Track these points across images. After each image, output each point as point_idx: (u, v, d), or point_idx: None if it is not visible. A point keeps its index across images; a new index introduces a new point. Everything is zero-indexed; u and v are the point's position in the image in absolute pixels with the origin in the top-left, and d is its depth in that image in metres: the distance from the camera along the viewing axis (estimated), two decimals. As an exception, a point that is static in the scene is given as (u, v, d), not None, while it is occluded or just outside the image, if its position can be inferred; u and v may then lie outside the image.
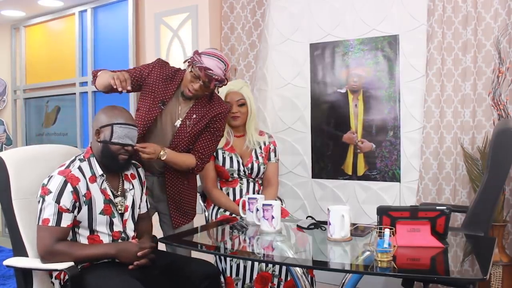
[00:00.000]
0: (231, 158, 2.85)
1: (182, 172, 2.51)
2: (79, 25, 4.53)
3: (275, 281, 2.54)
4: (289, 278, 2.53)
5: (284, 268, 2.52)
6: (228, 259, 2.58)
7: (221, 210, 2.82)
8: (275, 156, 2.97)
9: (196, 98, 2.47)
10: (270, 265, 2.54)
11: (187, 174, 2.55)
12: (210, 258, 2.70)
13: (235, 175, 2.85)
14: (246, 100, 2.87)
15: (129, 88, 2.25)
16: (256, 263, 2.54)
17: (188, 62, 2.41)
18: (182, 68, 2.53)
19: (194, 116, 2.46)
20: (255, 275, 2.54)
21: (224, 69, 2.40)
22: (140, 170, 2.31)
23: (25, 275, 2.04)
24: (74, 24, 4.56)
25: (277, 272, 2.53)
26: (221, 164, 2.83)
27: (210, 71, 2.33)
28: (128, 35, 4.07)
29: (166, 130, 2.46)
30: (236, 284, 2.57)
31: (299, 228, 2.28)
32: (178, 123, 2.45)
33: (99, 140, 2.10)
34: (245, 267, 2.55)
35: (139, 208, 2.27)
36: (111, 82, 2.22)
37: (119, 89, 2.22)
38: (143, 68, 2.51)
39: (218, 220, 2.72)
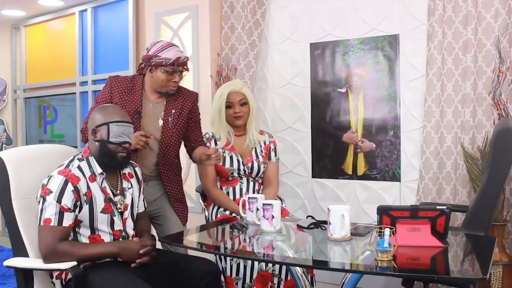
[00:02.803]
0: (231, 157, 2.85)
1: (176, 167, 2.61)
2: (79, 24, 4.53)
3: (275, 280, 2.54)
4: (289, 278, 2.53)
5: (284, 267, 2.52)
6: (228, 258, 2.58)
7: (221, 209, 2.82)
8: (275, 155, 2.97)
9: (167, 96, 2.49)
10: (270, 265, 2.54)
11: (177, 165, 2.63)
12: (211, 257, 2.70)
13: (235, 174, 2.85)
14: (248, 99, 2.88)
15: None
16: (256, 263, 2.54)
17: (150, 68, 2.40)
18: (134, 73, 2.55)
19: (173, 111, 2.49)
20: (255, 275, 2.54)
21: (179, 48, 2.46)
22: (137, 169, 2.31)
23: (25, 275, 2.03)
24: (74, 24, 4.56)
25: (277, 272, 2.53)
26: (221, 163, 2.83)
27: (181, 58, 2.38)
28: (128, 35, 4.06)
29: (151, 134, 2.46)
30: (236, 284, 2.57)
31: (299, 227, 2.28)
32: (160, 123, 2.48)
33: (96, 139, 2.10)
34: (245, 267, 2.55)
35: (137, 207, 2.28)
36: (139, 147, 2.30)
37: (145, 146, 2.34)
38: (105, 94, 2.46)
39: (218, 220, 2.72)
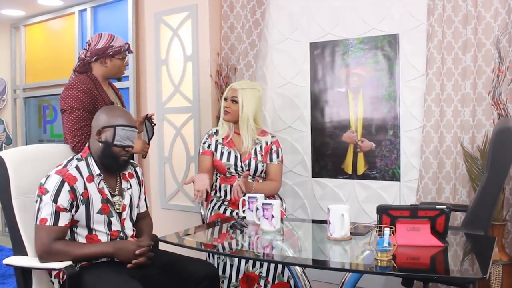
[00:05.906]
0: (229, 153, 2.86)
1: None
2: (78, 24, 4.53)
3: (262, 282, 2.53)
4: (276, 281, 2.52)
5: (272, 270, 2.51)
6: (216, 256, 2.58)
7: (216, 208, 2.82)
8: (278, 157, 2.95)
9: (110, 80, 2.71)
10: (257, 266, 2.53)
11: None
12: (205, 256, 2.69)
13: (232, 170, 2.85)
14: (238, 99, 2.86)
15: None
16: (242, 263, 2.53)
17: (105, 59, 2.52)
18: (75, 74, 2.63)
19: (116, 88, 2.78)
20: (241, 275, 2.53)
21: None
22: (138, 169, 2.31)
23: (24, 274, 2.04)
24: (74, 23, 4.56)
25: (264, 274, 2.52)
26: (218, 158, 2.85)
27: (128, 44, 2.64)
28: (128, 35, 4.06)
29: None
30: (222, 282, 2.56)
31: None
32: (119, 104, 2.69)
33: (100, 140, 2.10)
34: (231, 266, 2.55)
35: (138, 207, 2.27)
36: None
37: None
38: (88, 97, 2.43)
39: (215, 219, 2.71)
